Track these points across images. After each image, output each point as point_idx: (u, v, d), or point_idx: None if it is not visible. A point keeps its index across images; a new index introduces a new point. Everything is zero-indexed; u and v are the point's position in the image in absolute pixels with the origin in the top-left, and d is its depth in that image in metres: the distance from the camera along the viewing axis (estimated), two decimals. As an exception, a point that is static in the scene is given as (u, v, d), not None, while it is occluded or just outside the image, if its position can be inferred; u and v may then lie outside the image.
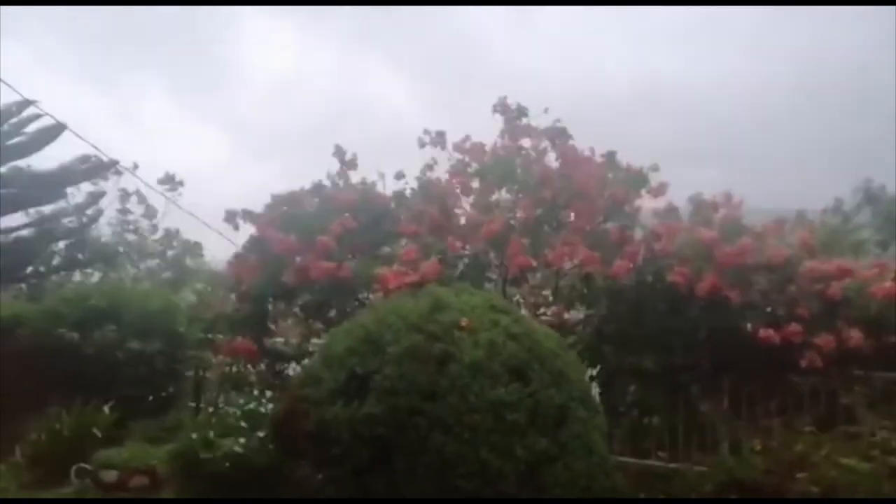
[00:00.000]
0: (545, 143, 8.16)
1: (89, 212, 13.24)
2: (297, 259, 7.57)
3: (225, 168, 27.17)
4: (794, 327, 6.40)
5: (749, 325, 6.63)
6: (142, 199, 16.84)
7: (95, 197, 13.30)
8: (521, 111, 8.23)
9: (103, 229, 14.76)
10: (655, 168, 7.91)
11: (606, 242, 7.36)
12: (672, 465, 6.42)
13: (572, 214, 7.82)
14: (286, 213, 8.06)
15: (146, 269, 15.58)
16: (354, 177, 8.33)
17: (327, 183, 8.31)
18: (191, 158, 27.78)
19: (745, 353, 6.67)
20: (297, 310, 8.10)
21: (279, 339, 8.38)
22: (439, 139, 8.25)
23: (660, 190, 7.87)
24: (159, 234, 17.06)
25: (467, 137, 8.24)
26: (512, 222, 7.72)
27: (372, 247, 7.83)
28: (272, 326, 8.32)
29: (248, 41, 31.89)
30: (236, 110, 30.99)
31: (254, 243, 8.09)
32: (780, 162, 25.18)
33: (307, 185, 8.25)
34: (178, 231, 16.35)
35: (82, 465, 7.08)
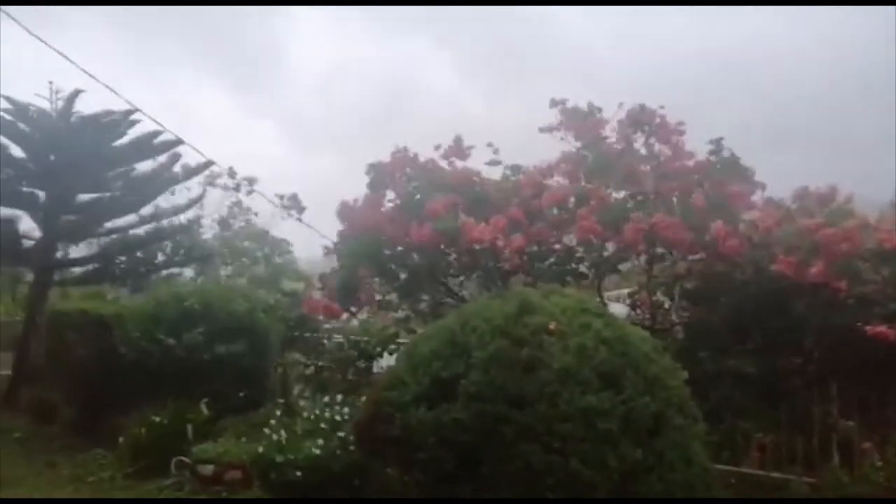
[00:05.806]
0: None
1: (189, 212, 13.63)
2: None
3: (280, 161, 27.28)
4: None
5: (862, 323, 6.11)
6: (236, 204, 17.20)
7: (195, 199, 13.65)
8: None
9: (202, 229, 15.23)
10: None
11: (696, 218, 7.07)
12: (776, 475, 6.00)
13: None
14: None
15: (238, 267, 16.06)
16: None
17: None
18: (244, 152, 28.12)
19: (858, 354, 6.17)
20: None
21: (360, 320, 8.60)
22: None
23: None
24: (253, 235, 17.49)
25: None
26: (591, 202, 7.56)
27: None
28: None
29: (292, 31, 31.72)
30: (286, 103, 31.06)
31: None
32: (866, 143, 22.53)
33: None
34: (267, 232, 16.73)
35: (181, 458, 7.34)
